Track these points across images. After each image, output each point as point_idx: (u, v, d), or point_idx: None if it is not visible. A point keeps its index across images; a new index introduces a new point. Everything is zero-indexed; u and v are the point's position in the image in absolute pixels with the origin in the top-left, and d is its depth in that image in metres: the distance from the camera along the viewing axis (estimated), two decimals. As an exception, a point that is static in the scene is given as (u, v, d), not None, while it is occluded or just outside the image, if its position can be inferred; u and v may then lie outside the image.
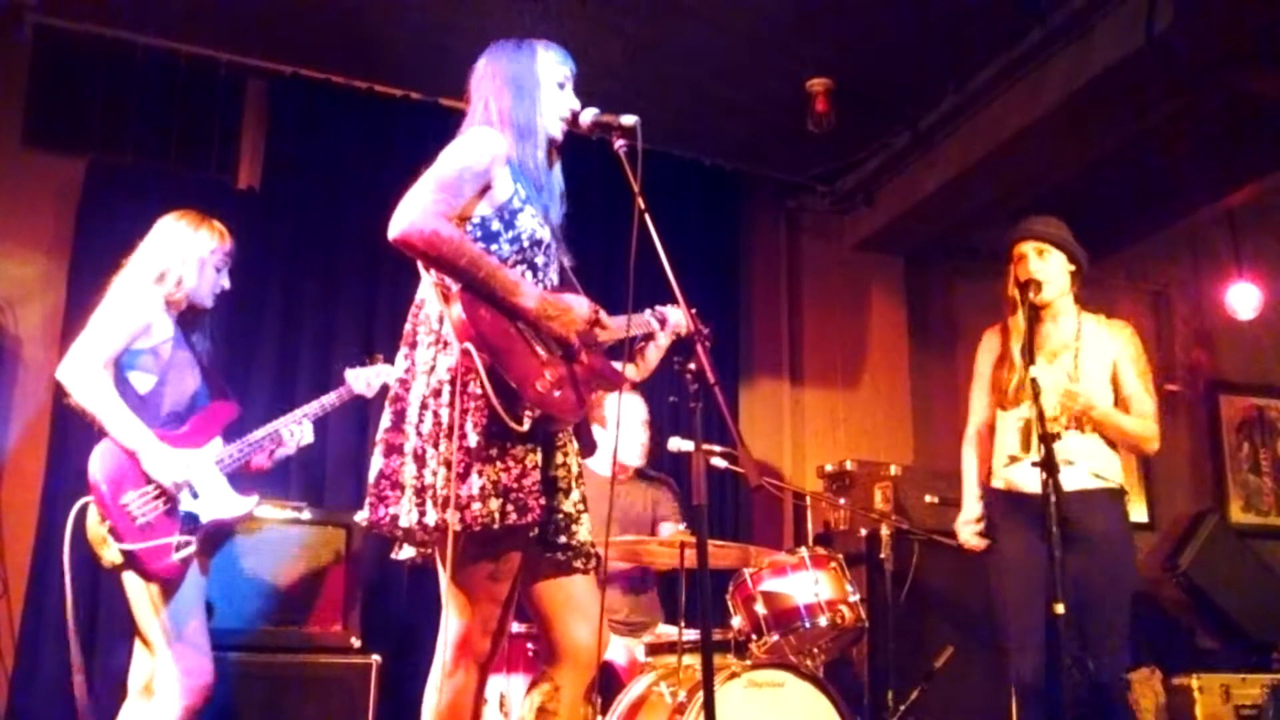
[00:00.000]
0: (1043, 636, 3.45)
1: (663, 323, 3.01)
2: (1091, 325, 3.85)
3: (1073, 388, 3.68)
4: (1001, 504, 3.83)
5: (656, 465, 4.87)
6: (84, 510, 3.16)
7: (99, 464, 3.11)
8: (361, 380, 3.83)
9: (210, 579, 3.44)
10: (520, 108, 2.69)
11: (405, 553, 2.66)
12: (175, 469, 3.16)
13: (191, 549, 3.17)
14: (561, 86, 2.76)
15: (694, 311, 2.79)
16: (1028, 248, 3.83)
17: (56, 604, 4.36)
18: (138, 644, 3.24)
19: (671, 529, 4.43)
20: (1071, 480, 3.61)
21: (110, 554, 3.10)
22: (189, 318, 3.47)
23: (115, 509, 3.07)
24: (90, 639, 4.34)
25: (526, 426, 2.41)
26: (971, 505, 3.96)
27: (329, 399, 3.73)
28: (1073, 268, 3.84)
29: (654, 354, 3.02)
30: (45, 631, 4.38)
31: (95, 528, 3.12)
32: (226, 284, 3.53)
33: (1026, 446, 3.71)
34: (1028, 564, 3.58)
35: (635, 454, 4.53)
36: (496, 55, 2.75)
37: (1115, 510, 3.72)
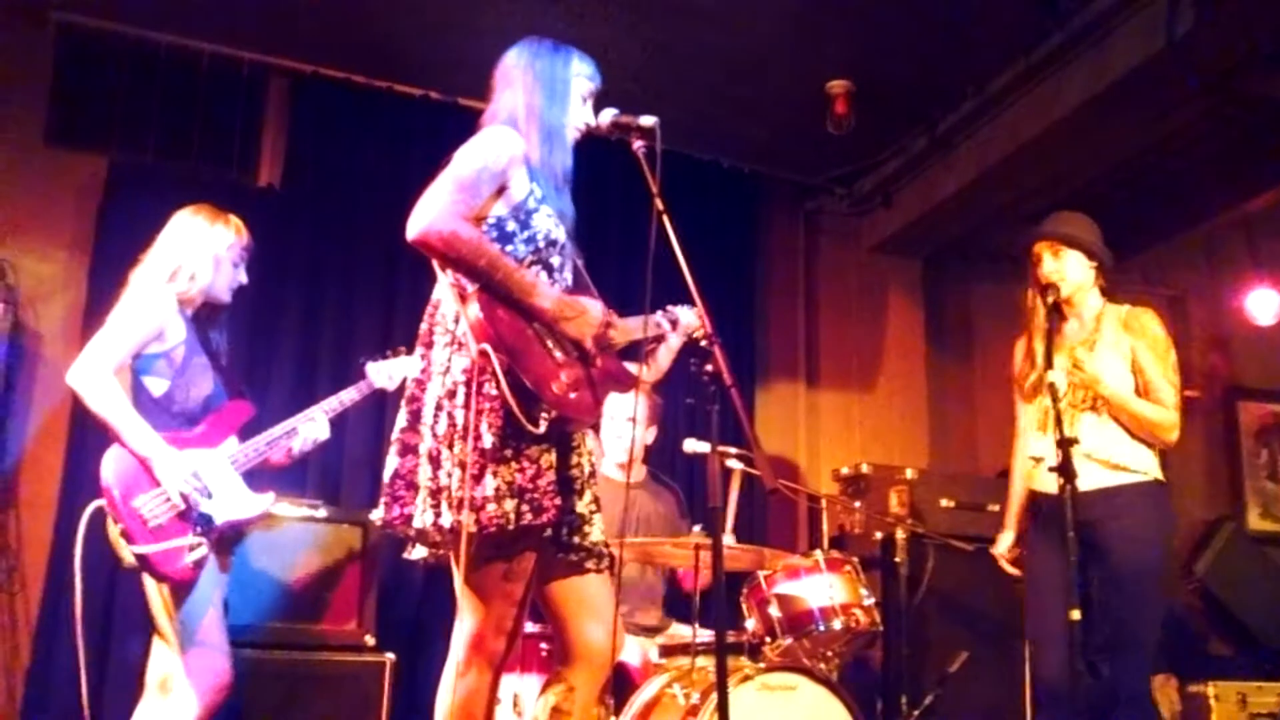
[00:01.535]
0: (1062, 638, 3.41)
1: (674, 324, 3.00)
2: (1112, 316, 3.78)
3: (1080, 354, 3.62)
4: (1031, 507, 3.80)
5: (670, 467, 4.87)
6: (99, 512, 3.14)
7: (111, 467, 3.09)
8: (383, 374, 3.80)
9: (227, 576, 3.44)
10: (552, 111, 2.70)
11: (418, 553, 2.67)
12: (185, 477, 3.13)
13: (204, 551, 3.14)
14: (584, 100, 2.78)
15: (700, 311, 2.79)
16: (1043, 248, 3.80)
17: (73, 601, 4.37)
18: (156, 640, 3.23)
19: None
20: (1094, 478, 3.55)
21: (127, 553, 3.10)
22: (206, 314, 3.46)
23: (127, 512, 3.05)
24: (105, 635, 4.36)
25: (543, 429, 2.42)
26: (1008, 534, 3.91)
27: (349, 394, 3.70)
28: (1093, 263, 3.80)
29: (665, 356, 3.01)
30: (61, 628, 4.40)
31: (114, 528, 3.13)
32: (244, 279, 3.51)
33: (1044, 427, 3.65)
34: (1050, 564, 3.55)
35: (622, 449, 4.48)
36: (534, 52, 2.75)
37: (1140, 510, 3.57)
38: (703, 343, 2.62)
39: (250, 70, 5.27)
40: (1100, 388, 3.60)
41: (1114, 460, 3.61)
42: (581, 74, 2.77)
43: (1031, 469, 3.75)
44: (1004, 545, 3.91)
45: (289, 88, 5.38)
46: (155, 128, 5.08)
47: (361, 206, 5.23)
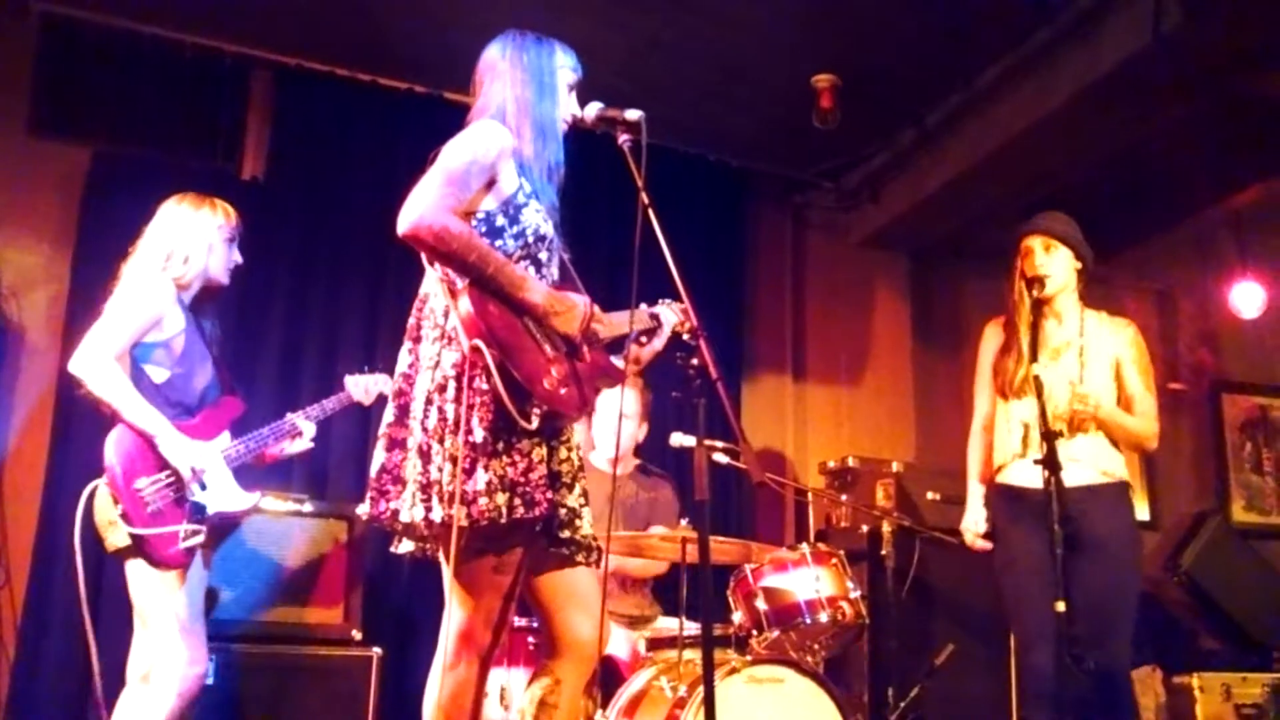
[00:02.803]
0: (1054, 631, 3.44)
1: (656, 320, 2.99)
2: (1094, 323, 3.86)
3: (1082, 391, 3.68)
4: (1005, 500, 3.83)
5: (660, 461, 4.87)
6: (94, 493, 3.19)
7: (114, 448, 3.13)
8: (360, 387, 3.89)
9: (213, 570, 3.45)
10: (542, 105, 2.69)
11: (404, 546, 2.67)
12: (192, 455, 3.18)
13: (200, 538, 3.19)
14: (569, 91, 2.77)
15: (685, 306, 2.80)
16: (1035, 242, 3.83)
17: (59, 593, 4.37)
18: (137, 633, 3.25)
19: (662, 532, 4.40)
20: (1077, 475, 3.63)
21: (116, 538, 3.13)
22: (200, 301, 3.48)
23: (128, 493, 3.10)
24: (94, 628, 4.33)
25: (535, 424, 2.41)
26: (975, 508, 3.95)
27: (329, 403, 3.78)
28: (1078, 265, 3.85)
29: (647, 353, 3.01)
30: (47, 620, 4.39)
31: (105, 511, 3.15)
32: (239, 258, 3.55)
33: (1028, 449, 3.72)
34: (1033, 560, 3.58)
35: (608, 446, 4.48)
36: (519, 46, 2.74)
37: (1121, 506, 3.73)
38: (686, 336, 2.62)
39: (234, 62, 5.24)
40: (1101, 413, 3.69)
41: (1099, 467, 3.72)
42: (565, 66, 2.76)
43: (1010, 461, 3.81)
44: (979, 520, 3.93)
45: (272, 80, 5.35)
46: (138, 119, 5.06)
47: (346, 200, 5.21)
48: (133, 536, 3.09)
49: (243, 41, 5.21)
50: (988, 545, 3.90)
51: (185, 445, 3.19)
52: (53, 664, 4.34)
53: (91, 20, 4.99)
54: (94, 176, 4.88)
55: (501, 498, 2.38)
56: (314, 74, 5.34)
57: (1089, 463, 3.70)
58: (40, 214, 4.92)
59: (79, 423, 4.33)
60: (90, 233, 4.75)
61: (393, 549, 2.70)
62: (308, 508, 4.31)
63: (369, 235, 5.05)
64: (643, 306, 2.92)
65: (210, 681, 3.41)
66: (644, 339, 2.95)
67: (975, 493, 3.98)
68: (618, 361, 2.84)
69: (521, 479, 2.41)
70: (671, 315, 2.96)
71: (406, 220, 2.41)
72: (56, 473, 4.52)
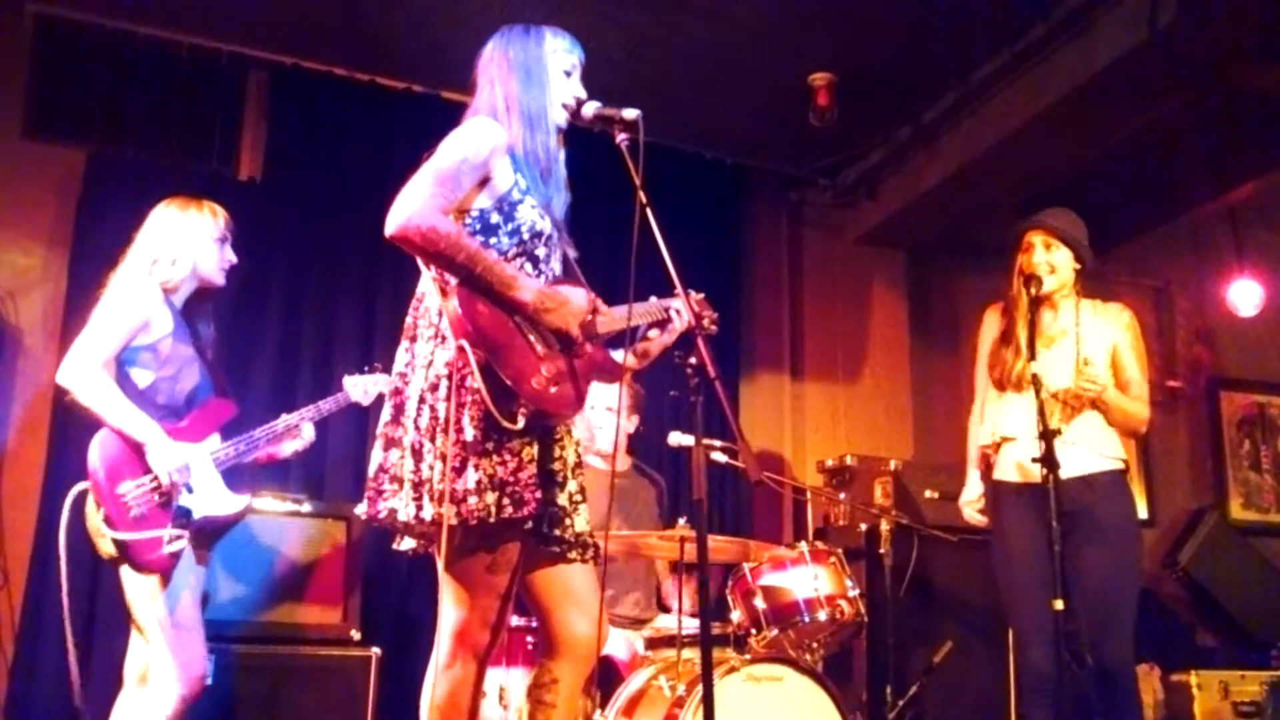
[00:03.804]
0: (1052, 628, 3.44)
1: (670, 313, 2.95)
2: (1089, 311, 3.86)
3: (1089, 372, 3.67)
4: (1003, 493, 3.82)
5: (655, 459, 4.86)
6: (81, 497, 3.18)
7: (98, 452, 3.11)
8: (359, 388, 3.86)
9: (210, 570, 3.44)
10: (529, 94, 2.66)
11: (406, 544, 2.67)
12: (178, 463, 3.16)
13: (183, 543, 3.17)
14: (568, 74, 2.74)
15: (702, 297, 2.78)
16: (1036, 238, 3.83)
17: (56, 595, 4.34)
18: (133, 635, 3.24)
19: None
20: (1076, 464, 3.62)
21: (106, 545, 3.11)
22: (196, 303, 3.47)
23: (110, 497, 3.08)
24: (89, 630, 4.34)
25: (521, 424, 2.41)
26: (974, 484, 3.96)
27: (326, 404, 3.74)
28: (1077, 265, 3.84)
29: (656, 347, 2.98)
30: (45, 622, 4.38)
31: (94, 517, 3.13)
32: (233, 258, 3.53)
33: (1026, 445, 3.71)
34: (1033, 554, 3.58)
35: (605, 439, 4.44)
36: (506, 40, 2.73)
37: (1120, 494, 3.71)
38: (697, 331, 2.59)
39: (230, 63, 5.24)
40: (1107, 394, 3.68)
41: (1098, 449, 3.70)
42: (558, 49, 2.73)
43: (1001, 445, 3.81)
44: (975, 494, 3.94)
45: (269, 80, 5.35)
46: (134, 120, 5.05)
47: (343, 200, 5.20)
48: (115, 542, 3.08)
49: (239, 42, 5.21)
50: (984, 520, 3.90)
51: (172, 450, 3.16)
52: (51, 667, 4.32)
53: (86, 21, 4.99)
54: (90, 178, 4.87)
55: (491, 497, 2.37)
56: (310, 74, 5.33)
57: (1087, 445, 3.68)
58: (37, 216, 4.91)
59: (76, 425, 4.27)
60: (87, 234, 4.75)
61: (395, 546, 2.69)
62: (306, 508, 4.31)
63: (366, 235, 5.04)
64: (653, 299, 2.89)
65: (209, 682, 3.40)
66: (653, 331, 2.91)
67: (974, 471, 3.98)
68: (618, 356, 2.83)
69: (511, 478, 2.41)
70: (688, 314, 2.90)
71: (394, 221, 2.41)
72: (54, 475, 4.51)
